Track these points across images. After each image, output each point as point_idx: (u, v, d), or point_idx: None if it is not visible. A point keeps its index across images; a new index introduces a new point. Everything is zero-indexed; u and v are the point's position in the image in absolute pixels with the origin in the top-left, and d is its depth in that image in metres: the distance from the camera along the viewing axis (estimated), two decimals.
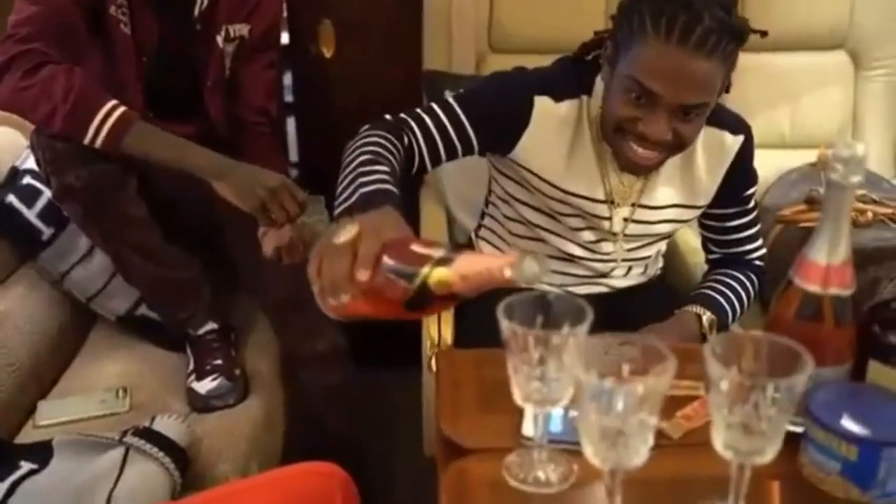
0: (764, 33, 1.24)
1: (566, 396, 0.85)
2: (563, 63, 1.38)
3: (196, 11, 1.56)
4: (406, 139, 1.26)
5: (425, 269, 0.83)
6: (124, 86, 1.51)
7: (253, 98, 1.69)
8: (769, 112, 2.01)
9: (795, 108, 2.05)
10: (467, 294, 0.84)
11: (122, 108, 1.38)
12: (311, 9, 2.14)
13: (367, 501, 1.10)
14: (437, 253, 0.85)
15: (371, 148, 1.14)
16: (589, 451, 0.78)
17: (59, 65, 1.36)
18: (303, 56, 2.18)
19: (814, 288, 0.89)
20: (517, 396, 0.86)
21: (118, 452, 1.25)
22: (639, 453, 0.77)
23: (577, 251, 1.44)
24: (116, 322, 1.70)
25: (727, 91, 1.27)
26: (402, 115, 1.30)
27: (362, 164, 1.10)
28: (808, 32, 2.06)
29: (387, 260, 0.86)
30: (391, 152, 1.17)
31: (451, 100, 1.32)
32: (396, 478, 1.84)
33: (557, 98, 1.32)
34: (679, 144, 1.25)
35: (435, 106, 1.31)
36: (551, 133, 1.32)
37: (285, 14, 1.96)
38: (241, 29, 1.62)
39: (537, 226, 1.43)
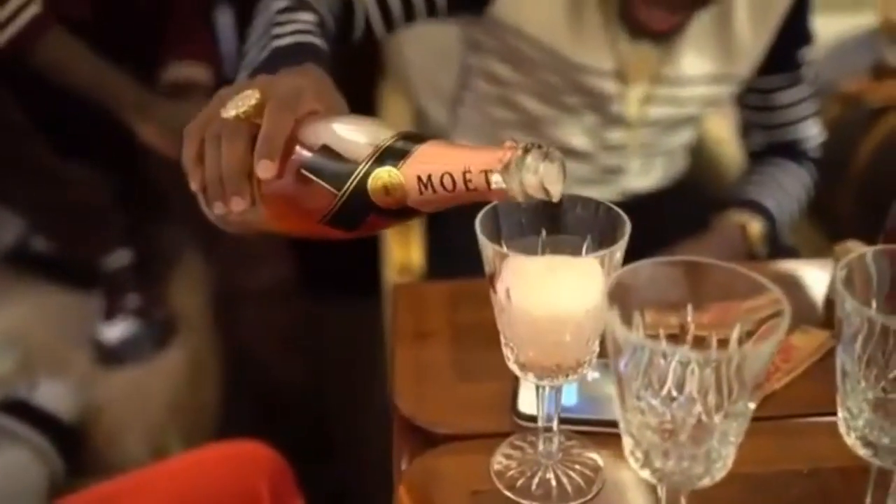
0: None
1: (588, 361, 0.53)
2: None
3: None
4: None
5: (363, 166, 0.51)
6: None
7: None
8: None
9: None
10: (427, 209, 0.52)
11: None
12: None
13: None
14: (384, 137, 0.52)
15: None
16: (635, 459, 0.46)
17: None
18: None
19: None
20: (510, 361, 0.54)
21: None
22: (723, 460, 0.45)
23: (582, 143, 1.10)
24: (6, 260, 1.41)
25: None
26: None
27: (279, 12, 0.77)
28: None
29: (302, 149, 0.54)
30: (320, 1, 0.82)
31: None
32: (368, 427, 1.54)
33: None
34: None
35: None
36: None
37: None
38: None
39: (528, 111, 1.09)
